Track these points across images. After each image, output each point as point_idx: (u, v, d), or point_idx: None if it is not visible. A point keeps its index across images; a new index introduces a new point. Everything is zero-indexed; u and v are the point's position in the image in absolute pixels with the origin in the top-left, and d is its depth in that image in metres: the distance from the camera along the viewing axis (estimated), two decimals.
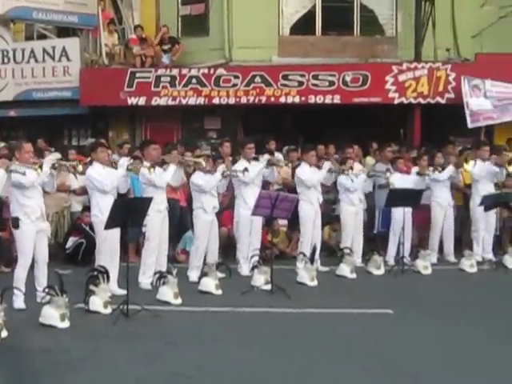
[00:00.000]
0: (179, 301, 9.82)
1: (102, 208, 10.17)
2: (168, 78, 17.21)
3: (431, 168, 13.17)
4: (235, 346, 8.04)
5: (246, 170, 11.63)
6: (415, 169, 13.32)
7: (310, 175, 12.27)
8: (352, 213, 12.80)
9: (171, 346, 8.00)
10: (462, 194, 14.16)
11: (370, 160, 15.08)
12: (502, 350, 7.92)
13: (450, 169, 13.20)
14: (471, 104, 16.17)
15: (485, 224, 13.31)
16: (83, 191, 12.35)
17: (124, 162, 11.09)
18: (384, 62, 17.44)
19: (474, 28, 17.88)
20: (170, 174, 10.86)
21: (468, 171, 13.57)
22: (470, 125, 16.13)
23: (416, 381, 6.97)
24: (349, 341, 8.25)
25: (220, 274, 10.82)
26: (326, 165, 12.48)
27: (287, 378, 7.03)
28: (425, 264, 12.39)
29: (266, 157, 12.42)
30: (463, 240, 13.95)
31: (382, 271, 12.27)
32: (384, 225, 13.53)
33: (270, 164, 12.11)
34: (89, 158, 11.03)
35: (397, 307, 9.75)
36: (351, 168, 12.52)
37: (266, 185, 12.78)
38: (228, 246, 12.88)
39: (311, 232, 12.30)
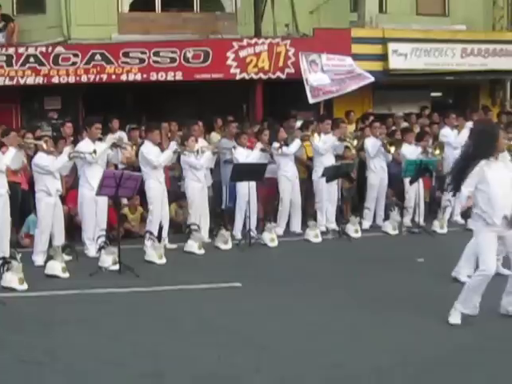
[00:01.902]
0: (25, 286, 9.59)
1: None
2: (4, 57, 16.56)
3: (277, 144, 13.41)
4: (85, 328, 7.96)
5: (94, 152, 11.45)
6: (259, 144, 13.53)
7: (156, 154, 12.23)
8: (198, 189, 12.82)
9: (18, 333, 7.81)
10: (305, 166, 14.49)
11: (215, 136, 15.16)
12: (348, 316, 8.22)
13: (298, 142, 13.52)
14: (310, 80, 16.50)
15: (327, 195, 13.69)
16: None
17: None
18: (225, 38, 17.52)
19: (312, 4, 18.27)
20: (9, 158, 10.55)
21: (309, 145, 13.97)
22: (310, 100, 16.46)
23: (264, 350, 7.11)
24: (199, 316, 8.34)
25: (66, 257, 10.67)
26: (172, 145, 12.45)
27: (139, 356, 7.02)
28: (271, 236, 12.63)
29: (110, 137, 12.23)
30: (307, 211, 14.30)
31: (229, 246, 12.41)
32: (231, 200, 13.68)
33: (114, 146, 11.96)
34: None
35: (245, 280, 9.91)
36: (192, 147, 12.56)
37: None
38: (74, 228, 12.65)
39: (160, 210, 12.29)
